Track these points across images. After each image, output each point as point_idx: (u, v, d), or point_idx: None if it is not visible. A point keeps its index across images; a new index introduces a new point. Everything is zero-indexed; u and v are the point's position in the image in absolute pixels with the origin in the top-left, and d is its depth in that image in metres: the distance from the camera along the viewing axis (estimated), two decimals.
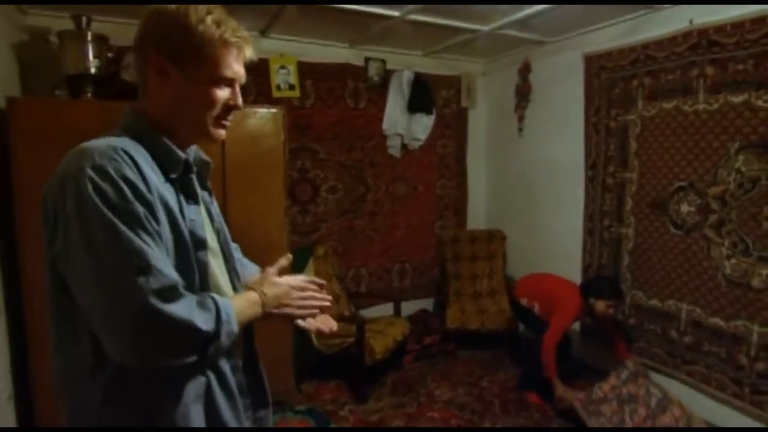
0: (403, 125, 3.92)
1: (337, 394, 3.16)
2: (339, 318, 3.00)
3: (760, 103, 2.37)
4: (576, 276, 3.43)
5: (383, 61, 3.79)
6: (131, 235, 0.77)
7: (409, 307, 3.96)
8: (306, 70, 3.54)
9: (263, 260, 1.20)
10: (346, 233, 3.87)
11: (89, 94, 2.47)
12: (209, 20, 0.86)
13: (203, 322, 0.81)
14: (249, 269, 1.21)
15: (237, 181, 2.68)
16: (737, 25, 2.42)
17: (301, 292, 1.00)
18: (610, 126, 3.12)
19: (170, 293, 0.78)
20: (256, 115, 2.75)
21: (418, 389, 3.23)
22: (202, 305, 0.83)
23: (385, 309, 3.77)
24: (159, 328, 0.77)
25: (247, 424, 1.01)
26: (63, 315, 0.84)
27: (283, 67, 3.42)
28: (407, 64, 3.87)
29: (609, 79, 3.11)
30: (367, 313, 3.68)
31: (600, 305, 2.80)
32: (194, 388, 0.89)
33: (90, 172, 0.76)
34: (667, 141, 2.78)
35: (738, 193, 2.47)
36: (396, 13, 2.87)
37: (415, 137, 4.01)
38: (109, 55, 2.60)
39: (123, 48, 2.74)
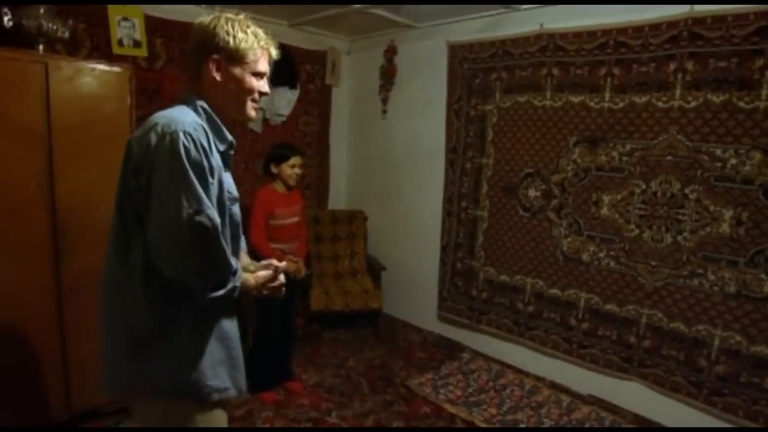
0: (266, 99, 3.63)
1: None
2: None
3: (592, 104, 2.76)
4: (435, 254, 3.64)
5: None
6: (196, 183, 1.10)
7: None
8: (156, 26, 3.04)
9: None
10: None
11: None
12: (249, 32, 1.25)
13: (228, 263, 1.18)
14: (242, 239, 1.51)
15: (67, 151, 2.19)
16: (578, 35, 2.76)
17: (271, 282, 1.36)
18: (470, 114, 3.34)
19: (216, 233, 1.12)
20: (94, 73, 2.27)
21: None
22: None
23: None
24: (202, 254, 1.12)
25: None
26: (122, 232, 1.17)
27: (126, 19, 2.87)
28: (271, 33, 3.57)
29: (470, 70, 3.30)
30: None
31: (285, 168, 2.84)
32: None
33: (182, 135, 1.10)
34: (519, 131, 3.08)
35: (574, 181, 2.86)
36: None
37: (278, 113, 3.77)
38: None
39: None
